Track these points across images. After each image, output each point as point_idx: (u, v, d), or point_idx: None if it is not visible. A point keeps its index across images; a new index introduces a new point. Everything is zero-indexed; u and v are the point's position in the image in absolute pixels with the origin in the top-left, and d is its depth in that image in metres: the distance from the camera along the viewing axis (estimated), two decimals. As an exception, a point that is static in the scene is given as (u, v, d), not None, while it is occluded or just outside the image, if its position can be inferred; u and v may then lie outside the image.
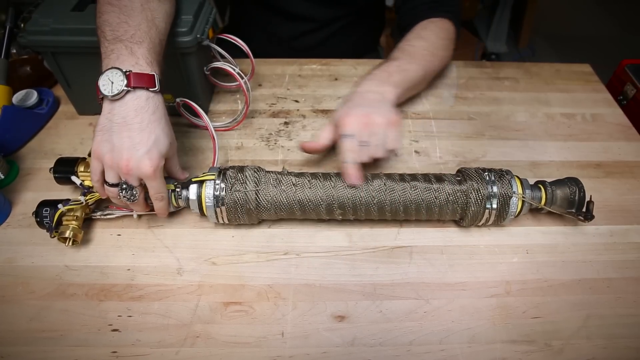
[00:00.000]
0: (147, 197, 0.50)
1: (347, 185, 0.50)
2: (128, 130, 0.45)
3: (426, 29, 0.69)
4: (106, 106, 0.46)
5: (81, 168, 0.53)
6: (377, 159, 0.53)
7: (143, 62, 0.47)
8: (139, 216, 0.54)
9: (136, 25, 0.48)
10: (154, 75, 0.47)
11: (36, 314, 0.47)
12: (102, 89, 0.45)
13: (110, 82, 0.45)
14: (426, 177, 0.52)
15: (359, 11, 0.86)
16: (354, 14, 0.86)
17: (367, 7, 0.87)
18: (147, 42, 0.48)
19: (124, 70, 0.45)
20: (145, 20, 0.49)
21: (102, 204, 0.55)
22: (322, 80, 0.77)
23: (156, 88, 0.47)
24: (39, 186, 0.59)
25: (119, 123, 0.45)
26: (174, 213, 0.55)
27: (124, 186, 0.47)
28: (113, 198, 0.49)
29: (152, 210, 0.51)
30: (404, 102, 0.71)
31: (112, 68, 0.45)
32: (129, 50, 0.47)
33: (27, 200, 0.57)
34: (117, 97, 0.45)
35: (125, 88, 0.45)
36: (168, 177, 0.53)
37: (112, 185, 0.47)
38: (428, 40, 0.67)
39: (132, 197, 0.48)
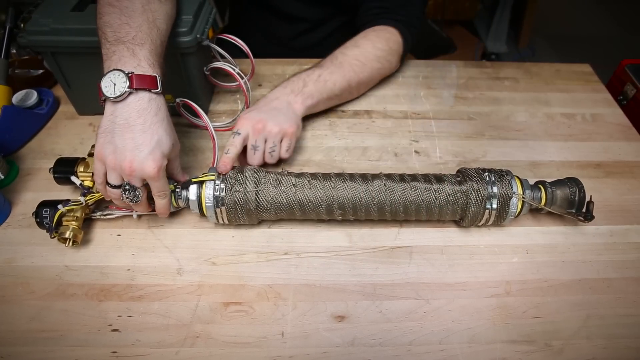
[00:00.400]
0: (149, 198, 0.50)
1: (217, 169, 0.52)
2: (131, 132, 0.45)
3: (365, 38, 0.69)
4: (108, 108, 0.46)
5: (81, 168, 0.53)
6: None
7: (145, 64, 0.47)
8: (139, 216, 0.54)
9: (137, 27, 0.48)
10: (156, 76, 0.47)
11: (36, 314, 0.47)
12: (104, 90, 0.45)
13: (112, 84, 0.45)
14: (426, 178, 0.52)
15: (351, 11, 0.85)
16: (345, 13, 0.85)
17: (359, 7, 0.87)
18: (149, 44, 0.48)
19: (126, 72, 0.45)
20: (146, 22, 0.49)
21: (102, 204, 0.55)
22: (322, 80, 0.77)
23: (158, 89, 0.47)
24: (39, 186, 0.59)
25: (122, 125, 0.45)
26: (174, 213, 0.55)
27: (127, 187, 0.47)
28: (115, 199, 0.49)
29: (154, 210, 0.51)
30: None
31: (114, 70, 0.45)
32: (130, 51, 0.47)
33: (27, 200, 0.57)
34: (120, 98, 0.45)
35: (128, 90, 0.45)
36: (168, 177, 0.53)
37: (115, 187, 0.47)
38: (363, 49, 0.67)
39: (135, 198, 0.48)
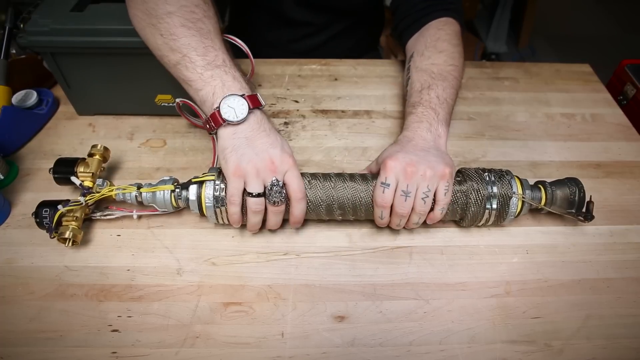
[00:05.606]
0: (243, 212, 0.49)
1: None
2: (259, 138, 0.48)
3: (439, 39, 0.65)
4: (229, 130, 0.48)
5: (81, 168, 0.53)
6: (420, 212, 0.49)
7: (245, 85, 0.49)
8: (139, 216, 0.54)
9: (221, 49, 0.50)
10: (257, 94, 0.49)
11: (36, 315, 0.47)
12: (225, 116, 0.47)
13: (231, 109, 0.47)
14: (426, 177, 0.52)
15: (355, 14, 0.85)
16: (348, 18, 0.85)
17: (364, 11, 0.87)
18: (237, 66, 0.51)
19: (240, 95, 0.47)
20: (222, 43, 0.51)
21: (102, 204, 0.55)
22: (322, 81, 0.77)
23: (263, 105, 0.50)
24: (39, 187, 0.59)
25: (248, 137, 0.47)
26: (173, 213, 0.55)
27: (274, 183, 0.47)
28: (257, 211, 0.48)
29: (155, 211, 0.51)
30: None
31: (229, 95, 0.47)
32: (230, 76, 0.49)
33: (27, 200, 0.57)
34: (243, 120, 0.47)
35: (249, 110, 0.47)
36: (169, 177, 0.53)
37: (257, 196, 0.47)
38: (447, 52, 0.64)
39: (281, 196, 0.47)
